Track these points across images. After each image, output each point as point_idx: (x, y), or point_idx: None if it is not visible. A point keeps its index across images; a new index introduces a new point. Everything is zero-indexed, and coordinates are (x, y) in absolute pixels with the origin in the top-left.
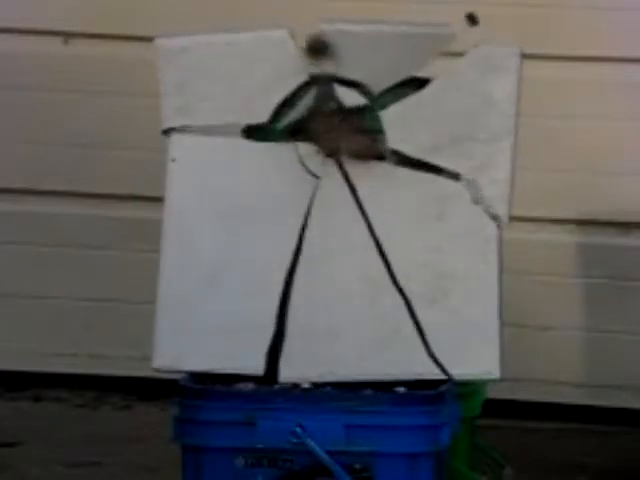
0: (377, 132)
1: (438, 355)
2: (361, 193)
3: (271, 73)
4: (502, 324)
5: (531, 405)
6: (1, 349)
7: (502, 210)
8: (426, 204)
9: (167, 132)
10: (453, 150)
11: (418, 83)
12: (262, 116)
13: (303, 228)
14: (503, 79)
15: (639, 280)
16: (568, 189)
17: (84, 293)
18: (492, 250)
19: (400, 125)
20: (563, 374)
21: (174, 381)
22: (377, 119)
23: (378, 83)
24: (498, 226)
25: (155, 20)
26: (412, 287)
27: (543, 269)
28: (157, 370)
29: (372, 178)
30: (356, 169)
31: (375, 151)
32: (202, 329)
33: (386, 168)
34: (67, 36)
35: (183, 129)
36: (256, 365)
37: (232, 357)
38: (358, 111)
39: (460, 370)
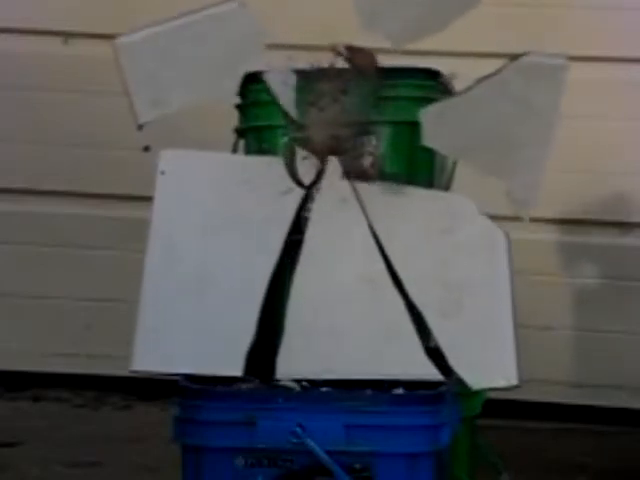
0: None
1: (455, 365)
2: (368, 210)
3: (230, 47)
4: (517, 332)
5: (531, 405)
6: (1, 349)
7: (525, 212)
8: (433, 219)
9: (141, 127)
10: (486, 152)
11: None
12: (230, 92)
13: (288, 235)
14: (548, 88)
15: (639, 280)
16: (568, 189)
17: (84, 293)
18: (502, 260)
19: (436, 124)
20: (563, 374)
21: (174, 381)
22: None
23: (404, 39)
24: (507, 236)
25: (155, 20)
26: (424, 300)
27: (543, 269)
28: (134, 372)
29: (379, 195)
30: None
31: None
32: (182, 333)
33: (392, 185)
34: (67, 36)
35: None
36: (234, 366)
37: (210, 359)
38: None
39: (478, 380)
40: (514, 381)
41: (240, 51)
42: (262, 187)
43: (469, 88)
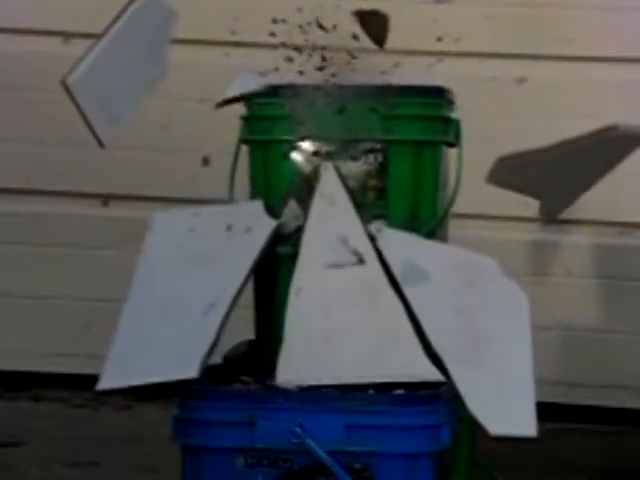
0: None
1: (473, 410)
2: (391, 264)
3: (146, 43)
4: (536, 383)
5: None
6: (1, 349)
7: (549, 219)
8: (454, 274)
9: (103, 145)
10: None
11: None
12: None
13: (255, 262)
14: (619, 152)
15: (639, 280)
16: None
17: (84, 293)
18: (524, 318)
19: (505, 170)
20: (563, 374)
21: (174, 381)
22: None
23: None
24: (528, 297)
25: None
26: (444, 347)
27: (543, 269)
28: (100, 392)
29: (397, 246)
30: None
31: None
32: (144, 352)
33: (413, 236)
34: (67, 36)
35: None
36: (189, 368)
37: (167, 366)
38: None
39: (496, 425)
40: (532, 432)
41: (153, 44)
42: (238, 228)
43: (547, 149)
